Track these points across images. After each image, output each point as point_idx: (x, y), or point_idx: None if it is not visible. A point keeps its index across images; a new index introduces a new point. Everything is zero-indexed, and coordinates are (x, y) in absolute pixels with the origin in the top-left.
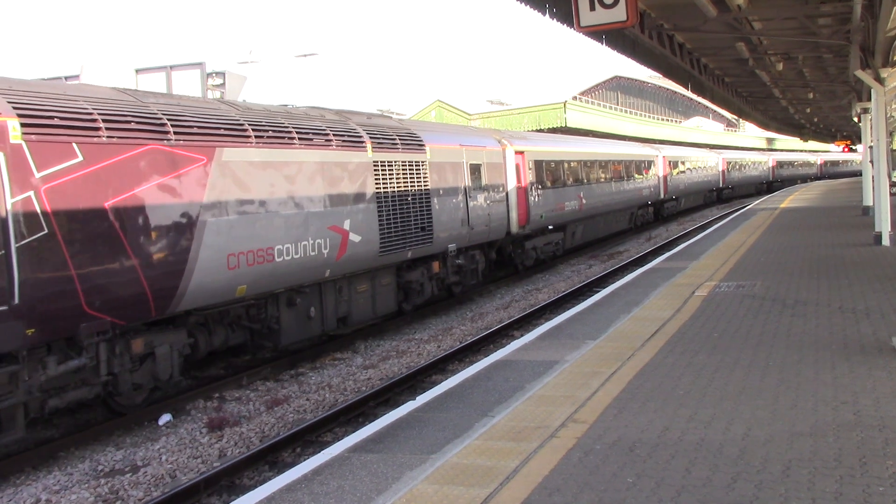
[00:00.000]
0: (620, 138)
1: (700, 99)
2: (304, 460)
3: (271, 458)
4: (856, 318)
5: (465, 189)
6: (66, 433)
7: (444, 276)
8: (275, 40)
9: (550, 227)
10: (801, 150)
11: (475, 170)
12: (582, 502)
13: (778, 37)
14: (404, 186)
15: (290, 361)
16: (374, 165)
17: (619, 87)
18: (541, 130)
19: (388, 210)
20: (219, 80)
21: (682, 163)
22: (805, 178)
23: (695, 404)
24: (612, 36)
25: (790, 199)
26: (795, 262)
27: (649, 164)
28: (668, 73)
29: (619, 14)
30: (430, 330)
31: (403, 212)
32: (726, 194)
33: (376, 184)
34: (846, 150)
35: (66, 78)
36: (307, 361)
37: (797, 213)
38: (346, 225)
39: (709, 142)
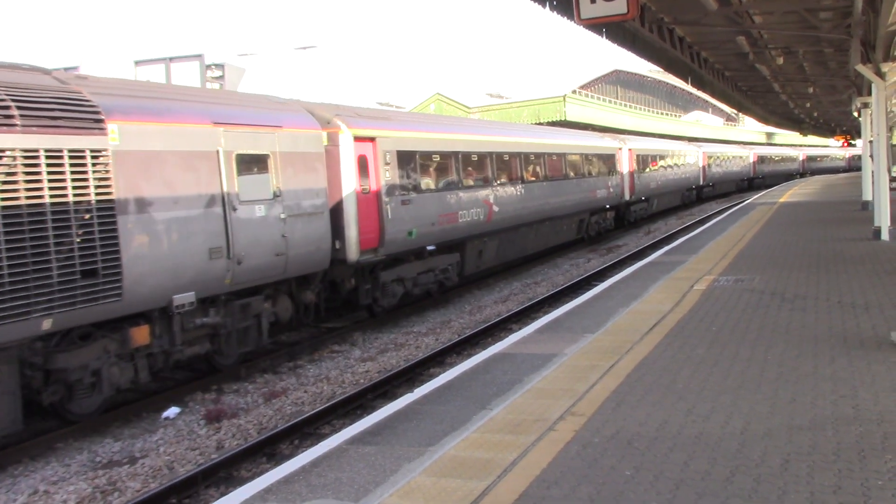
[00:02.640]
0: (620, 132)
1: (700, 93)
2: (302, 452)
3: (269, 450)
4: (855, 312)
5: (223, 197)
6: (64, 424)
7: (168, 346)
8: (274, 32)
9: (432, 247)
10: (780, 145)
11: (251, 164)
12: (580, 495)
13: (778, 31)
14: (32, 197)
15: (289, 354)
16: None
17: (618, 81)
18: (540, 124)
19: None
20: (218, 73)
21: (655, 157)
22: (787, 175)
23: (693, 398)
24: (612, 29)
25: (789, 193)
26: (794, 256)
27: (608, 158)
28: (668, 66)
29: (619, 7)
30: (428, 323)
31: (23, 246)
32: (707, 193)
33: None
34: (846, 144)
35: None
36: (305, 354)
37: (796, 207)
38: None
39: (709, 136)
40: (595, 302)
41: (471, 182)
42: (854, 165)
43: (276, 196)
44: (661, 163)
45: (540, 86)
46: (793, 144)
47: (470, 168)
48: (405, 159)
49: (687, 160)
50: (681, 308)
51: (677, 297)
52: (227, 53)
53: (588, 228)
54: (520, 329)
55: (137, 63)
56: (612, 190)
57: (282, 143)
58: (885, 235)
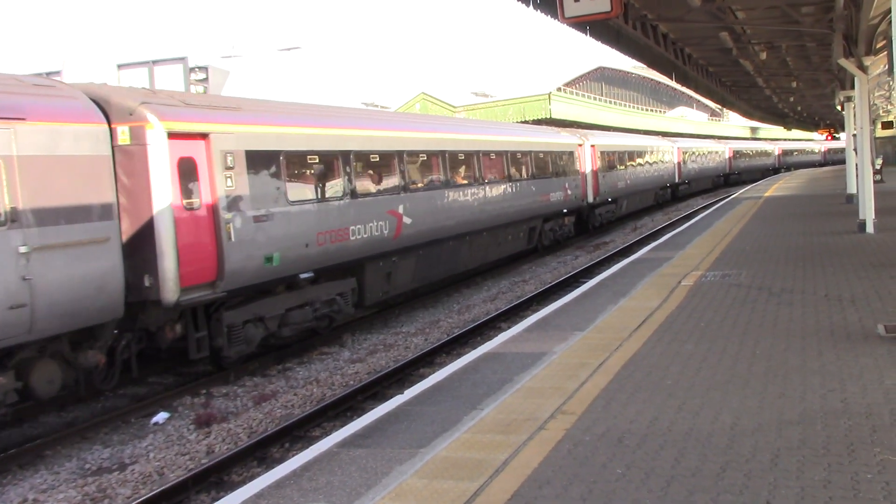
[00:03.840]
0: (605, 129)
1: (684, 89)
2: (293, 456)
3: (259, 454)
4: (842, 305)
5: None
6: (53, 431)
7: None
8: (258, 34)
9: (307, 274)
10: (759, 139)
11: None
12: (572, 494)
13: (761, 26)
14: None
15: (278, 356)
16: None
17: (603, 78)
18: (525, 122)
19: None
20: (202, 75)
21: (623, 154)
22: (763, 171)
23: (683, 394)
24: (596, 26)
25: (774, 187)
26: (781, 250)
27: (566, 156)
28: (652, 63)
29: (602, 4)
30: (417, 323)
31: None
32: (682, 191)
33: None
34: (829, 138)
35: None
36: (295, 356)
37: (782, 201)
38: None
39: (693, 132)
40: (583, 299)
41: (370, 189)
42: (829, 159)
43: (9, 221)
44: (631, 160)
45: (525, 84)
46: (772, 139)
47: (370, 172)
48: (261, 162)
49: (661, 156)
50: (669, 304)
51: (665, 293)
52: (210, 56)
53: (542, 237)
54: (509, 328)
55: (120, 66)
56: (570, 192)
57: (24, 142)
58: (869, 228)
